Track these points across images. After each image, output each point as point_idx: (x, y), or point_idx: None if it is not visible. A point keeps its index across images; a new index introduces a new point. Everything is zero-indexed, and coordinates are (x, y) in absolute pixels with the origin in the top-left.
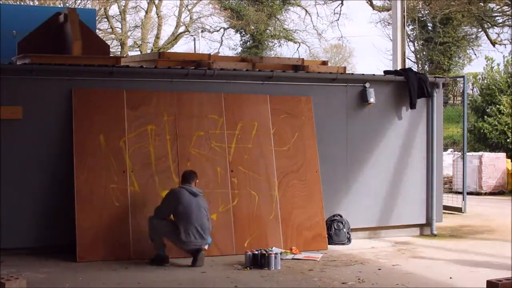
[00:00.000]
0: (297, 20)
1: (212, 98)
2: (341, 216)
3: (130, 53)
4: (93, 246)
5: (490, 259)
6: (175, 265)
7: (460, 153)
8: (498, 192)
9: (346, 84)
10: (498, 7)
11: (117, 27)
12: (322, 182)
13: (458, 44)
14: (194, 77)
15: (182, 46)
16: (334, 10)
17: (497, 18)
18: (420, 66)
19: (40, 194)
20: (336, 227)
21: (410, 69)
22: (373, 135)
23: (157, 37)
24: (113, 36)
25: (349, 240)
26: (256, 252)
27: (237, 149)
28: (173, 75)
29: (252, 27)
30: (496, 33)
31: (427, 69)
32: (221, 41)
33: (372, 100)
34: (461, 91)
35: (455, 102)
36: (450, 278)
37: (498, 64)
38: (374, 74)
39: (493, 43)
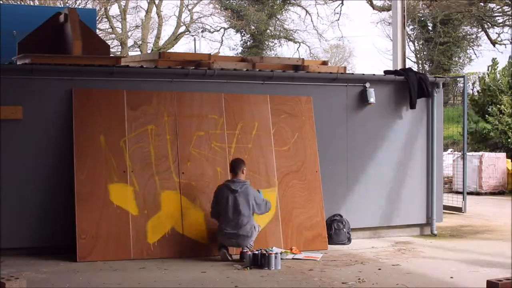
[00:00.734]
0: (297, 20)
1: (212, 98)
2: (341, 216)
3: (130, 53)
4: (93, 246)
5: (490, 259)
6: (175, 265)
7: (460, 153)
8: (498, 192)
9: (346, 84)
10: (498, 7)
11: (117, 27)
12: (322, 182)
13: (458, 44)
14: (194, 77)
15: (182, 46)
16: (334, 10)
17: (497, 18)
18: (420, 66)
19: (40, 194)
20: (336, 227)
21: (410, 69)
22: (373, 135)
23: (158, 37)
24: (113, 36)
25: (349, 240)
26: (256, 252)
27: (237, 149)
28: (173, 75)
29: (252, 27)
30: (496, 33)
31: (427, 69)
32: (221, 41)
33: (372, 100)
34: (461, 91)
35: (455, 102)
36: (451, 278)
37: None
38: (374, 74)
39: (493, 43)
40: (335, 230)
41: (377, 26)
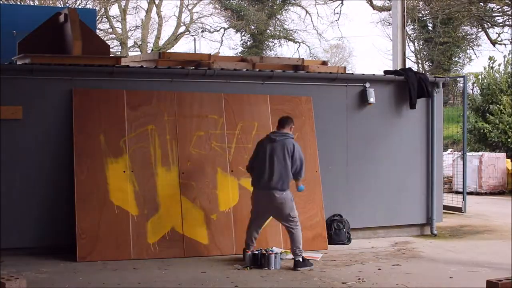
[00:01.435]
0: (297, 20)
1: (212, 98)
2: (341, 216)
3: (130, 53)
4: (93, 246)
5: (490, 259)
6: (175, 265)
7: (460, 153)
8: (498, 192)
9: (346, 84)
10: (498, 7)
11: (118, 27)
12: (322, 182)
13: (458, 44)
14: (194, 77)
15: (183, 46)
16: (334, 10)
17: (497, 18)
18: (420, 66)
19: (40, 194)
20: (336, 227)
21: (410, 69)
22: (373, 135)
23: (158, 37)
24: (113, 36)
25: (349, 240)
26: (256, 252)
27: (237, 149)
28: (173, 75)
29: (252, 27)
30: (496, 33)
31: (427, 69)
32: (221, 41)
33: (372, 100)
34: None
35: (455, 102)
36: (450, 278)
37: (499, 65)
38: (374, 74)
39: (493, 43)
40: (335, 230)
41: (377, 26)
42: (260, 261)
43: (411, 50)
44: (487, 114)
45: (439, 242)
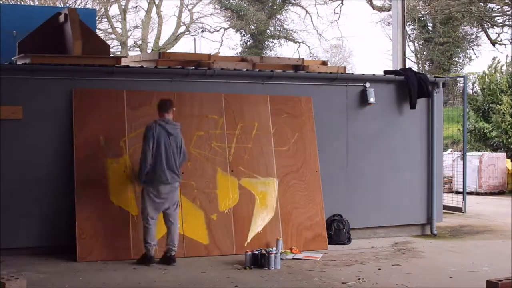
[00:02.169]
0: (297, 20)
1: (212, 98)
2: (341, 216)
3: (130, 53)
4: (93, 246)
5: (490, 259)
6: (175, 265)
7: (460, 153)
8: (498, 192)
9: (346, 84)
10: (498, 7)
11: (117, 27)
12: (322, 182)
13: (458, 44)
14: (194, 77)
15: (183, 46)
16: (334, 10)
17: (497, 18)
18: (420, 66)
19: (40, 194)
20: (336, 227)
21: (410, 69)
22: (373, 135)
23: (158, 37)
24: (113, 36)
25: (349, 240)
26: (256, 252)
27: (237, 149)
28: (173, 75)
29: (252, 27)
30: (496, 33)
31: (427, 69)
32: (221, 41)
33: (372, 100)
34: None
35: (455, 102)
36: (450, 278)
37: (502, 65)
38: (374, 74)
39: (493, 43)
40: (335, 230)
41: (377, 26)
42: (260, 261)
43: (411, 50)
44: (490, 112)
45: (439, 242)
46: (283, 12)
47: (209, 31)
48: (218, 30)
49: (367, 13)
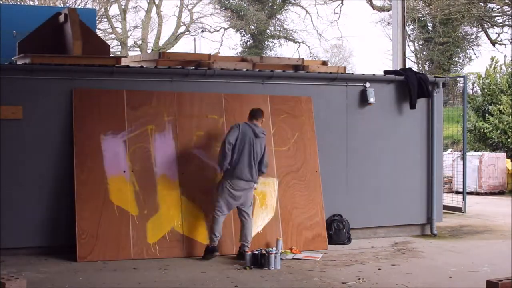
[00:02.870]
0: (297, 20)
1: (212, 98)
2: (341, 216)
3: (130, 53)
4: (93, 246)
5: (490, 259)
6: (175, 265)
7: (460, 153)
8: (498, 192)
9: (346, 84)
10: (498, 7)
11: (117, 27)
12: (322, 182)
13: (458, 44)
14: (194, 77)
15: (183, 46)
16: (334, 10)
17: (497, 18)
18: (420, 66)
19: (40, 194)
20: (336, 227)
21: (410, 69)
22: (373, 135)
23: (158, 37)
24: (113, 36)
25: (349, 240)
26: (256, 252)
27: None
28: (173, 75)
29: (252, 27)
30: (496, 33)
31: (427, 69)
32: (221, 41)
33: (372, 100)
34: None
35: (455, 102)
36: (450, 278)
37: (501, 65)
38: (374, 74)
39: (493, 43)
40: (335, 230)
41: (377, 26)
42: (260, 261)
43: (411, 50)
44: (487, 115)
45: (439, 242)
46: (283, 12)
47: (209, 31)
48: (218, 30)
49: (367, 13)
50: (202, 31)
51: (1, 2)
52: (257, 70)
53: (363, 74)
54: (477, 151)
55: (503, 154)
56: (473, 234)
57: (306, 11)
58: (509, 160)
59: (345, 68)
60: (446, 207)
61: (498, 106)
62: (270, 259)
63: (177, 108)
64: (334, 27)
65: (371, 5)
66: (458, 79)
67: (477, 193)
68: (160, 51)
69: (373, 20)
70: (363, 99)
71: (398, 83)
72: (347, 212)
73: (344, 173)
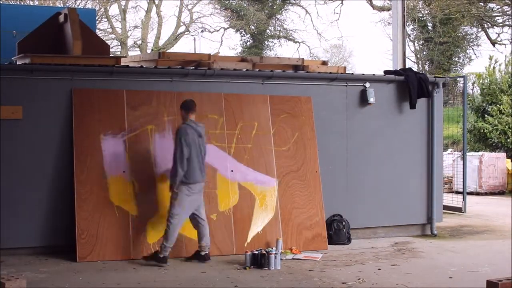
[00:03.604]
0: (297, 20)
1: (212, 98)
2: (341, 216)
3: (130, 53)
4: (93, 246)
5: (490, 259)
6: (175, 265)
7: (460, 153)
8: (498, 192)
9: (346, 84)
10: (498, 7)
11: (117, 27)
12: (322, 182)
13: (458, 44)
14: (194, 77)
15: (183, 46)
16: (334, 10)
17: (497, 18)
18: (420, 66)
19: (40, 194)
20: (336, 227)
21: (410, 69)
22: (373, 135)
23: (157, 37)
24: (113, 36)
25: (349, 240)
26: (256, 252)
27: (237, 149)
28: (173, 75)
29: (252, 27)
30: (496, 33)
31: (427, 69)
32: (221, 41)
33: (372, 100)
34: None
35: (455, 102)
36: (450, 278)
37: (500, 64)
38: (374, 74)
39: (493, 43)
40: (335, 230)
41: (377, 26)
42: (260, 261)
43: (411, 50)
44: (486, 115)
45: (439, 242)
46: (283, 12)
47: (209, 31)
48: (218, 30)
49: (367, 13)
50: (202, 31)
51: (1, 2)
52: (257, 70)
53: (363, 74)
54: (477, 151)
55: (503, 154)
56: (473, 234)
57: (306, 11)
58: (509, 160)
59: (345, 68)
60: (446, 207)
61: (498, 106)
62: (270, 259)
63: (177, 108)
64: (334, 27)
65: (371, 5)
66: (458, 79)
67: (477, 193)
68: (160, 51)
69: (373, 20)
70: (363, 99)
71: (398, 83)
72: (347, 212)
73: (344, 173)
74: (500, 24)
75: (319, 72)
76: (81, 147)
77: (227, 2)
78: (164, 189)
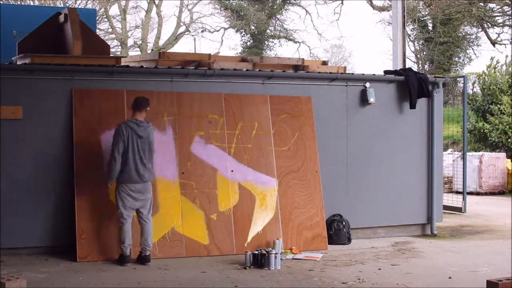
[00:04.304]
0: (297, 20)
1: (212, 98)
2: (341, 216)
3: (130, 53)
4: (93, 246)
5: (490, 259)
6: (175, 265)
7: (460, 153)
8: (498, 192)
9: (346, 84)
10: (498, 7)
11: (118, 27)
12: (322, 182)
13: (458, 44)
14: (194, 77)
15: (183, 46)
16: (334, 10)
17: (497, 18)
18: (420, 66)
19: (40, 194)
20: (336, 227)
21: (410, 69)
22: (373, 135)
23: (158, 37)
24: (113, 36)
25: (349, 240)
26: (256, 252)
27: (237, 149)
28: (173, 75)
29: (252, 27)
30: (496, 33)
31: (427, 69)
32: (221, 41)
33: (372, 100)
34: (461, 91)
35: (455, 102)
36: (450, 278)
37: (502, 66)
38: (374, 74)
39: (493, 43)
40: (335, 230)
41: (377, 26)
42: (260, 261)
43: (411, 50)
44: (487, 115)
45: (439, 242)
46: (283, 12)
47: (209, 31)
48: (218, 30)
49: (367, 13)
50: (202, 31)
51: (1, 2)
52: (257, 70)
53: (363, 74)
54: (477, 151)
55: (503, 154)
56: (473, 234)
57: (306, 11)
58: (509, 160)
59: (345, 68)
60: (446, 207)
61: (498, 106)
62: (270, 259)
63: (177, 108)
64: (334, 27)
65: (371, 5)
66: (458, 79)
67: (477, 193)
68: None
69: (373, 20)
70: (363, 99)
71: (398, 83)
72: (347, 212)
73: (344, 173)
74: (500, 24)
75: (319, 72)
76: (81, 147)
77: (227, 2)
78: (164, 189)
